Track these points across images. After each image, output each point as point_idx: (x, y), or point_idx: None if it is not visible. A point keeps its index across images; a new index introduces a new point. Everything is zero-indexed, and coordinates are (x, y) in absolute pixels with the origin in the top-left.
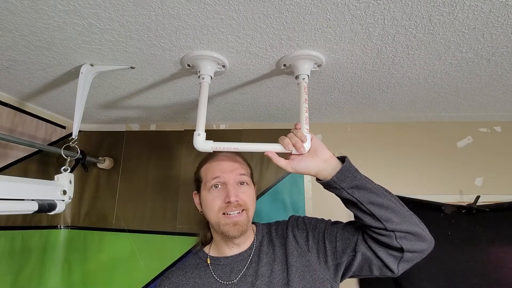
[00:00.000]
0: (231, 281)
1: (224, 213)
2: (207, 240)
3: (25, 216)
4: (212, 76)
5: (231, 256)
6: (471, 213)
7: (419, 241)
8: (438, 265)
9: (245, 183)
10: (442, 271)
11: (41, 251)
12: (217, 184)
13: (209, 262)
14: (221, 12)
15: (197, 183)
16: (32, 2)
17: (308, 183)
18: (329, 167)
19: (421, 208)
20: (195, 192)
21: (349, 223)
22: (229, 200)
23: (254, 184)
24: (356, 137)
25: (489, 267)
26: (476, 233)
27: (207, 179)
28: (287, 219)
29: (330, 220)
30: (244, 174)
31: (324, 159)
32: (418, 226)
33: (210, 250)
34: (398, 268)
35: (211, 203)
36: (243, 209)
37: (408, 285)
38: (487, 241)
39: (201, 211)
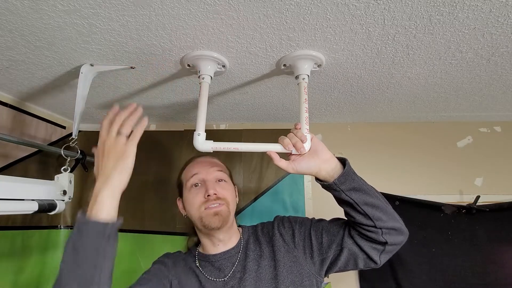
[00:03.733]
0: (221, 279)
1: (205, 208)
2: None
3: (25, 216)
4: (212, 76)
5: (218, 254)
6: (471, 213)
7: (399, 235)
8: (438, 264)
9: (223, 180)
10: (442, 271)
11: (41, 251)
12: (197, 183)
13: (197, 263)
14: (221, 12)
15: (179, 188)
16: (32, 2)
17: (308, 183)
18: (329, 167)
19: (421, 208)
20: (178, 198)
21: (334, 219)
22: (208, 193)
23: (234, 185)
24: (356, 137)
25: (488, 267)
26: (476, 233)
27: (187, 179)
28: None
29: (314, 218)
30: (221, 171)
31: (325, 159)
32: (399, 222)
33: (198, 252)
34: (380, 259)
35: (193, 200)
36: (223, 203)
37: (408, 284)
38: (487, 241)
39: (185, 215)
